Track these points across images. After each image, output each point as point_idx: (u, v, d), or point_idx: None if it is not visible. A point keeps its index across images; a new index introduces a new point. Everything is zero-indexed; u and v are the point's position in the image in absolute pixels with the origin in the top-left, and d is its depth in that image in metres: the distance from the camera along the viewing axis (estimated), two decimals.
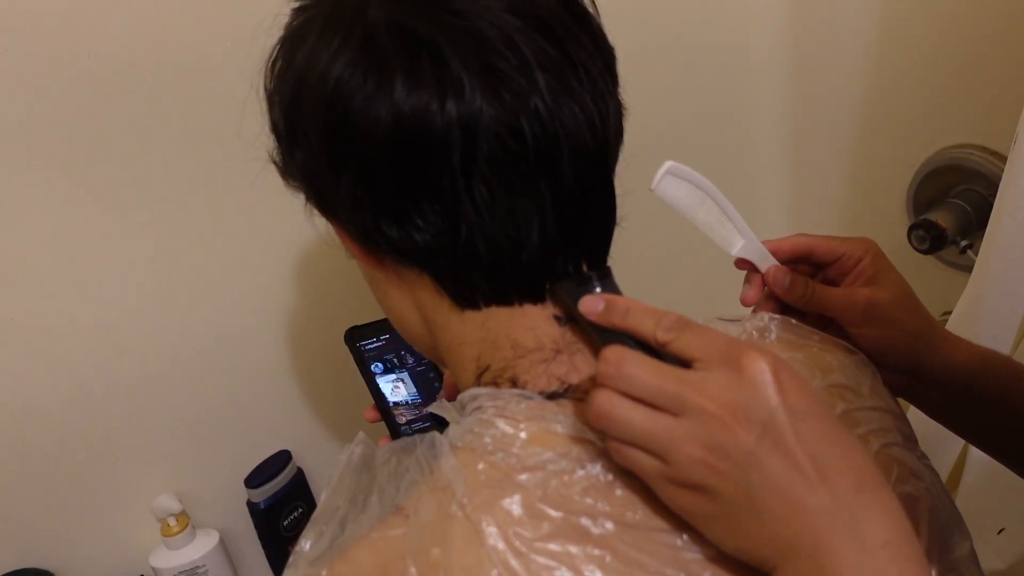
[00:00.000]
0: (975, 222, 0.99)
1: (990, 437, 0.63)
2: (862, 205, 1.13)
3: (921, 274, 1.07)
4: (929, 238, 0.98)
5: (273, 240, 0.93)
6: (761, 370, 0.39)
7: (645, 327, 0.43)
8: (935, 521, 0.49)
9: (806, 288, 0.58)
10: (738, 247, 0.57)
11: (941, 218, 0.99)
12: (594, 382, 0.43)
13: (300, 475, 1.01)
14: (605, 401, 0.42)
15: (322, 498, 0.47)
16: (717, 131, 1.16)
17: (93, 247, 0.84)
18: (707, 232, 0.56)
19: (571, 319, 0.49)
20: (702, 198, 0.55)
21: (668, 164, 0.53)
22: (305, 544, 0.46)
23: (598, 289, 0.47)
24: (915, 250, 1.00)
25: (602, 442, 0.45)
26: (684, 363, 0.42)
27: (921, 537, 0.48)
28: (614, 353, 0.42)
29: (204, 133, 0.85)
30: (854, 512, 0.38)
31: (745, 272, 0.61)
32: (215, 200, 0.89)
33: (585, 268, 0.50)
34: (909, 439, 0.53)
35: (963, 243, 0.99)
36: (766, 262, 0.59)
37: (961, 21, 0.96)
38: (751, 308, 0.60)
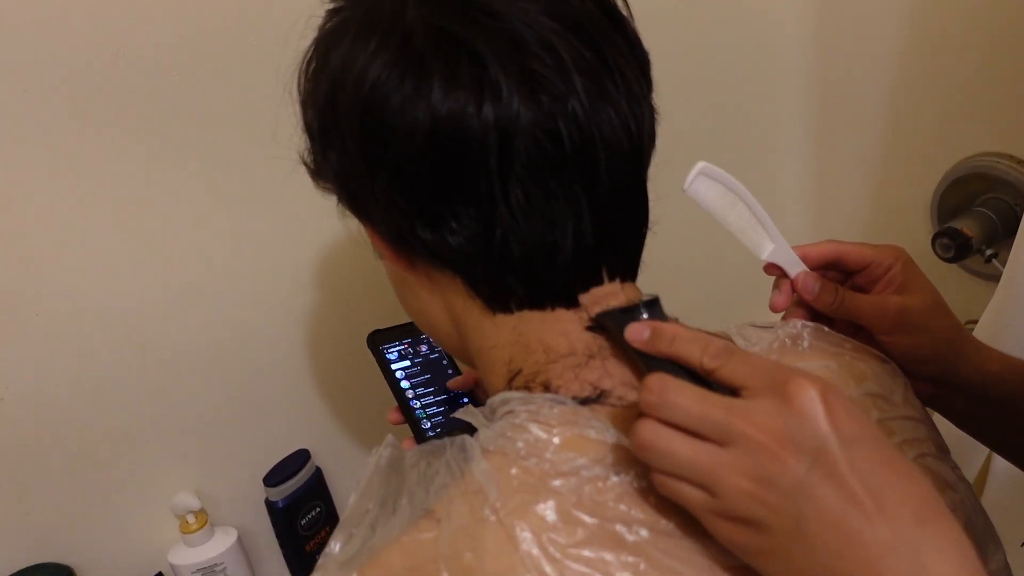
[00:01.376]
0: (1001, 231, 0.98)
1: (1021, 450, 0.62)
2: (887, 212, 1.13)
3: (945, 283, 1.05)
4: (954, 246, 0.97)
5: (295, 239, 0.93)
6: (810, 397, 0.37)
7: (691, 354, 0.42)
8: (971, 532, 0.48)
9: (836, 295, 0.57)
10: (768, 251, 0.57)
11: (966, 226, 0.98)
12: (635, 407, 0.42)
13: (318, 474, 1.01)
14: (648, 431, 0.40)
15: (351, 501, 0.47)
16: (742, 137, 1.15)
17: (117, 244, 0.84)
18: (737, 235, 0.56)
19: (618, 347, 0.48)
20: (733, 200, 0.55)
21: (700, 164, 0.53)
22: (335, 546, 0.46)
23: (645, 316, 0.46)
24: (940, 258, 0.99)
25: None
26: (732, 391, 0.41)
27: None
28: (657, 381, 0.41)
29: (233, 133, 0.85)
30: (916, 546, 0.36)
31: (774, 278, 0.60)
32: (239, 199, 0.89)
33: (620, 283, 0.49)
34: (942, 449, 0.52)
35: (988, 252, 0.98)
36: (795, 268, 0.58)
37: (988, 29, 0.95)
38: (781, 315, 0.60)
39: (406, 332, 0.81)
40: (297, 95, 0.51)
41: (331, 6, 0.49)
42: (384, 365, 0.81)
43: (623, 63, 0.46)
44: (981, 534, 0.49)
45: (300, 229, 0.92)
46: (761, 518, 0.38)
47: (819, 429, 0.37)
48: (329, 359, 1.00)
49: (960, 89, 1.00)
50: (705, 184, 0.53)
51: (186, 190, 0.86)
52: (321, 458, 1.02)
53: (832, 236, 0.61)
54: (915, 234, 1.06)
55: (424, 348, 0.81)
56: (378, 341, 0.81)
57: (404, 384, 0.79)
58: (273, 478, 0.97)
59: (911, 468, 0.39)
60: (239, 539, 0.95)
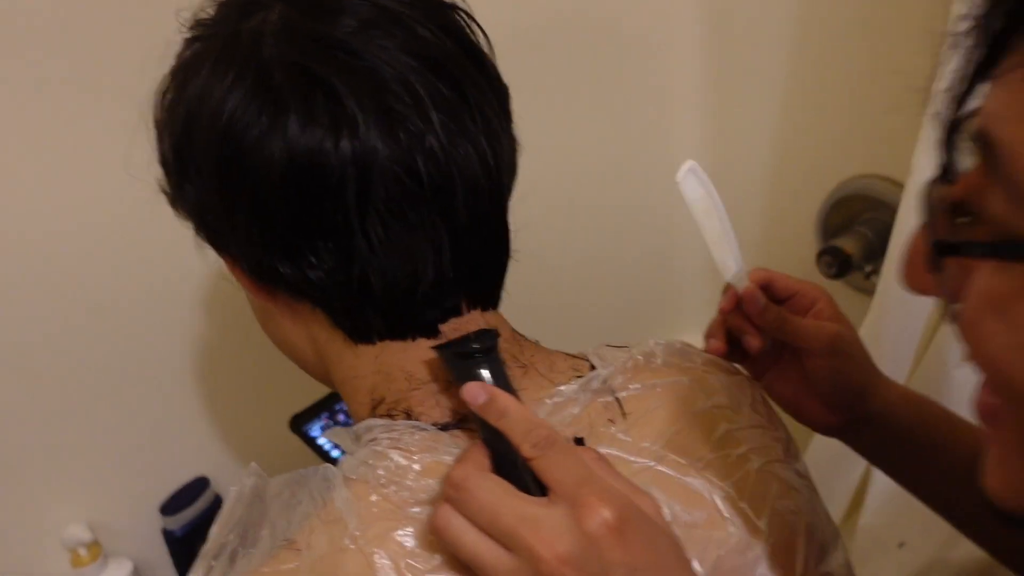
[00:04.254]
0: (879, 249, 1.03)
1: (924, 484, 0.64)
2: (774, 232, 1.17)
3: None
4: (836, 264, 1.02)
5: (188, 263, 0.92)
6: (602, 522, 0.38)
7: (515, 436, 0.42)
8: (811, 534, 0.51)
9: (778, 313, 0.59)
10: (732, 272, 0.60)
11: (847, 245, 1.02)
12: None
13: (218, 502, 1.00)
14: (441, 517, 0.41)
15: (211, 532, 0.47)
16: (632, 159, 1.19)
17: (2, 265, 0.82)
18: (710, 245, 0.58)
19: (448, 383, 0.49)
20: (710, 208, 0.57)
21: (690, 162, 0.56)
22: None
23: (484, 372, 0.46)
24: (824, 275, 1.03)
25: None
26: (541, 486, 0.42)
27: (799, 551, 0.50)
28: (458, 472, 0.42)
29: (106, 154, 0.82)
30: None
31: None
32: (125, 223, 0.87)
33: (481, 313, 0.50)
34: (789, 454, 0.55)
35: (868, 269, 1.03)
36: (743, 284, 0.60)
37: (870, 58, 1.00)
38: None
39: (322, 406, 0.84)
40: (153, 123, 0.50)
41: (189, 35, 0.49)
42: (311, 443, 0.83)
43: (482, 99, 0.48)
44: (823, 534, 0.53)
45: (192, 252, 0.91)
46: None
47: (605, 555, 0.38)
48: (228, 384, 0.99)
49: (843, 114, 1.05)
50: (692, 182, 0.56)
51: (74, 210, 0.84)
52: (221, 486, 1.01)
53: None
54: (801, 252, 1.11)
55: (342, 417, 0.85)
56: (300, 423, 0.84)
57: (334, 454, 0.82)
58: (171, 506, 0.96)
59: None
60: (135, 570, 0.93)
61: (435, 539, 0.43)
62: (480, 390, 0.44)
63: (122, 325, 0.90)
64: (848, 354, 0.59)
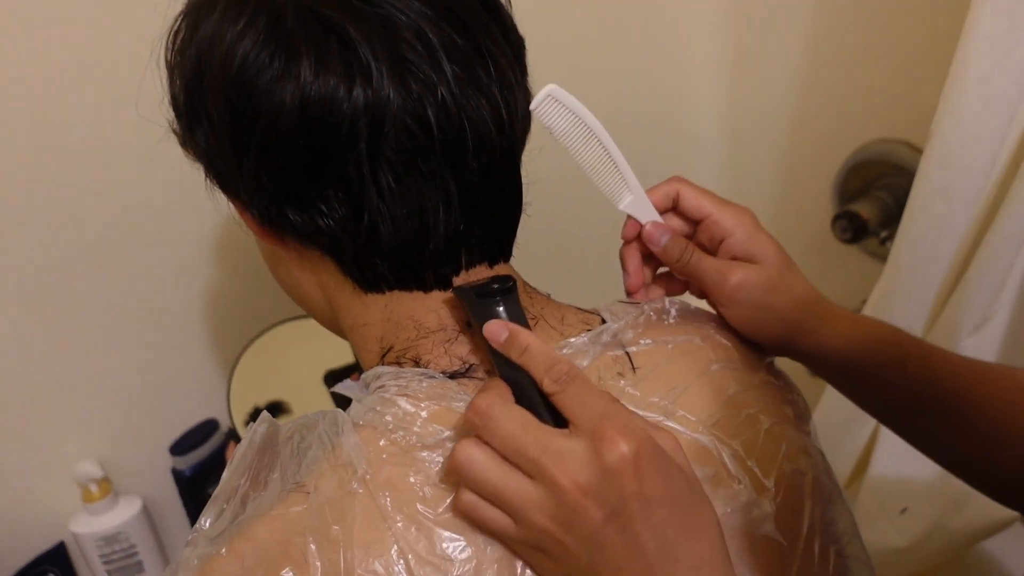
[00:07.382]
0: (896, 215, 1.01)
1: (875, 411, 0.62)
2: (790, 195, 1.16)
3: (843, 264, 1.10)
4: (851, 229, 1.01)
5: (201, 203, 0.91)
6: (621, 456, 0.39)
7: (536, 370, 0.43)
8: (818, 495, 0.51)
9: (683, 251, 0.54)
10: (626, 202, 0.54)
11: (864, 209, 1.01)
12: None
13: (226, 445, 1.01)
14: (463, 452, 0.42)
15: (223, 476, 0.47)
16: (653, 119, 1.17)
17: (16, 205, 0.82)
18: (593, 177, 0.53)
19: (469, 324, 0.49)
20: (586, 135, 0.52)
21: (550, 87, 0.50)
22: (204, 522, 0.46)
23: (502, 310, 0.46)
24: (838, 240, 1.03)
25: None
26: (563, 419, 0.42)
27: (805, 512, 0.51)
28: (484, 400, 0.42)
29: (106, 103, 0.82)
30: None
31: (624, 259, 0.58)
32: (138, 160, 0.87)
33: (489, 267, 0.50)
34: (799, 416, 0.54)
35: (883, 234, 1.02)
36: (648, 217, 0.55)
37: (892, 22, 0.98)
38: (663, 297, 0.58)
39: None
40: (164, 65, 0.50)
41: None
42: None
43: (496, 50, 0.47)
44: (829, 496, 0.53)
45: (206, 197, 0.91)
46: (558, 554, 0.41)
47: (623, 488, 0.39)
48: (240, 329, 0.99)
49: (864, 76, 1.03)
50: (553, 110, 0.50)
51: (87, 143, 0.84)
52: None
53: None
54: (816, 216, 1.10)
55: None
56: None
57: None
58: (180, 447, 0.97)
59: (703, 528, 0.41)
60: (144, 508, 0.95)
61: (446, 485, 0.44)
62: (502, 327, 0.44)
63: (137, 265, 0.91)
64: (758, 304, 0.53)
